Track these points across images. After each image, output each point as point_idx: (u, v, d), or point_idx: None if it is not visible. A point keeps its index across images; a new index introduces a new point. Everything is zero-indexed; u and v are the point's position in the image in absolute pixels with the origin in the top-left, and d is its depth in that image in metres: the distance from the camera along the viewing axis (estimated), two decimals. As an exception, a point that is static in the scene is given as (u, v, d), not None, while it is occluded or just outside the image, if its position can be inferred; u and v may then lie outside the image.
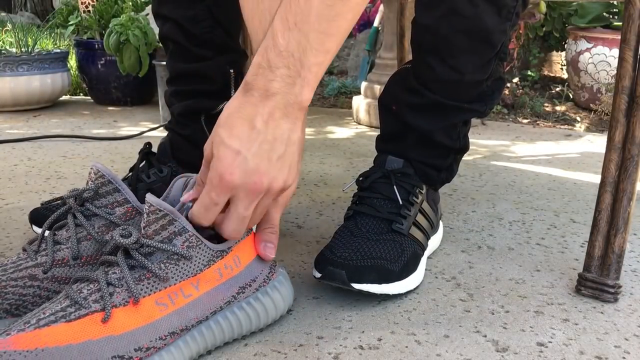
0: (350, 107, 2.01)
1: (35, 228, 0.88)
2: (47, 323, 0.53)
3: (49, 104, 2.09)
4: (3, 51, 2.03)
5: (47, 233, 0.64)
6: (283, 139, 0.56)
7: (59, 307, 0.55)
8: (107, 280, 0.56)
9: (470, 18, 0.72)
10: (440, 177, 0.84)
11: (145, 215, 0.57)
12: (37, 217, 0.88)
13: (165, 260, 0.57)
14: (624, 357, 0.62)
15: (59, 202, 0.91)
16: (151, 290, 0.56)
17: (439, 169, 0.83)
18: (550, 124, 1.97)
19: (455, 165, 0.86)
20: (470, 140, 0.87)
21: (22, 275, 0.62)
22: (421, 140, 0.81)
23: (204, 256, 0.59)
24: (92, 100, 2.23)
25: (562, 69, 2.65)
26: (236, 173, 0.55)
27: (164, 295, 0.57)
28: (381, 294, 0.71)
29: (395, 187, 0.78)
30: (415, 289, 0.75)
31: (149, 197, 0.57)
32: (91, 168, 0.65)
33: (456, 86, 0.77)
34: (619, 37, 0.71)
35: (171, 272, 0.57)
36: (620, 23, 0.72)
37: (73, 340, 0.53)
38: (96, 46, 2.10)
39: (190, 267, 0.58)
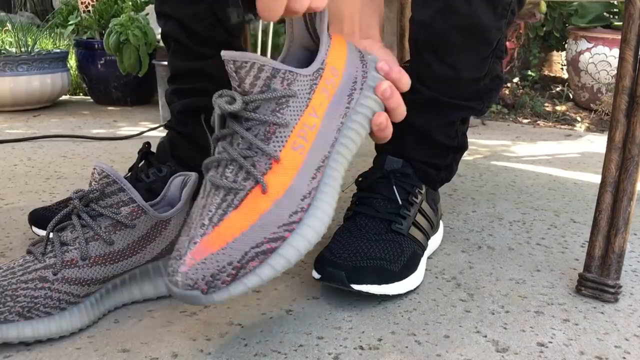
0: (350, 107, 2.01)
1: (35, 229, 0.88)
2: (220, 218, 0.54)
3: (49, 104, 2.09)
4: (3, 51, 2.03)
5: (51, 235, 0.64)
6: None
7: (218, 199, 0.55)
8: (242, 155, 0.56)
9: (465, 15, 0.72)
10: (439, 176, 0.84)
11: (233, 74, 0.56)
12: (37, 218, 0.88)
13: (275, 108, 0.56)
14: (624, 358, 0.62)
15: (60, 204, 0.91)
16: (282, 141, 0.56)
17: (438, 168, 0.83)
18: (550, 124, 1.97)
19: (454, 164, 0.86)
20: (470, 140, 0.87)
21: (32, 278, 0.62)
22: (420, 139, 0.81)
23: (305, 85, 0.58)
24: (92, 100, 2.23)
25: (562, 69, 2.65)
26: None
27: (295, 139, 0.57)
28: (381, 295, 0.71)
29: (394, 187, 0.78)
30: (415, 289, 0.75)
31: (225, 53, 0.56)
32: (94, 168, 0.65)
33: (453, 84, 0.77)
34: (619, 37, 0.71)
35: (287, 115, 0.57)
36: (621, 23, 0.72)
37: (251, 221, 0.54)
38: (96, 46, 2.10)
39: (299, 102, 0.58)
